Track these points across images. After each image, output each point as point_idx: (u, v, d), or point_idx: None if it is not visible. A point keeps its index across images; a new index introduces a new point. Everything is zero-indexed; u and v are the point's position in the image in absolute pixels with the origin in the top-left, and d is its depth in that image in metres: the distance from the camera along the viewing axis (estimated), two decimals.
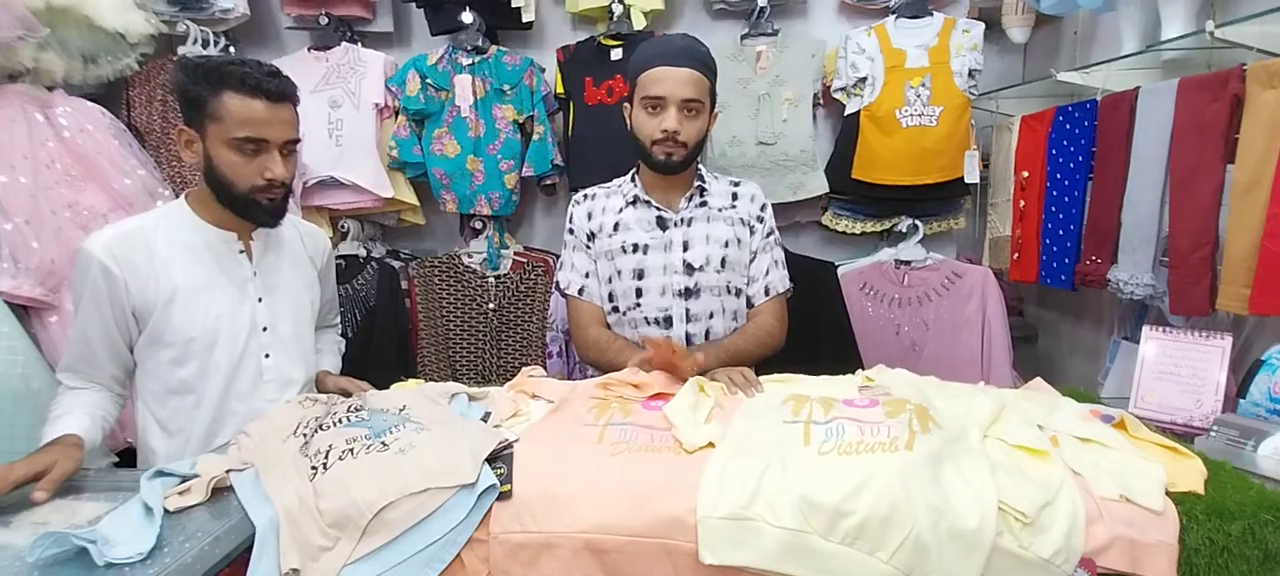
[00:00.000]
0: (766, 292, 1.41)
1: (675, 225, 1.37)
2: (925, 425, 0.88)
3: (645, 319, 1.37)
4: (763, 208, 1.43)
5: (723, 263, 1.37)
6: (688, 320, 1.36)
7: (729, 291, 1.38)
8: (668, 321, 1.36)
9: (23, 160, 1.61)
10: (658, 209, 1.37)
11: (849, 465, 0.81)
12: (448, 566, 0.79)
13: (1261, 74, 1.27)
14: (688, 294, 1.36)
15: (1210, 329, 1.21)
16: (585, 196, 1.45)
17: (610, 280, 1.40)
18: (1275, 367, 1.09)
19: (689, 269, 1.36)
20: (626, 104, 1.38)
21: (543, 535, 0.79)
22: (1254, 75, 1.29)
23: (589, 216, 1.42)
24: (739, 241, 1.39)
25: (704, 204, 1.39)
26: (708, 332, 1.37)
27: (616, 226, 1.39)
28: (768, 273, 1.42)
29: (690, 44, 1.33)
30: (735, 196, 1.42)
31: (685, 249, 1.36)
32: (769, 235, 1.43)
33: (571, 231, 1.44)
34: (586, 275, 1.41)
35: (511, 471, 0.85)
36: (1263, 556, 0.78)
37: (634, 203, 1.39)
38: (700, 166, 1.42)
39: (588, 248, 1.42)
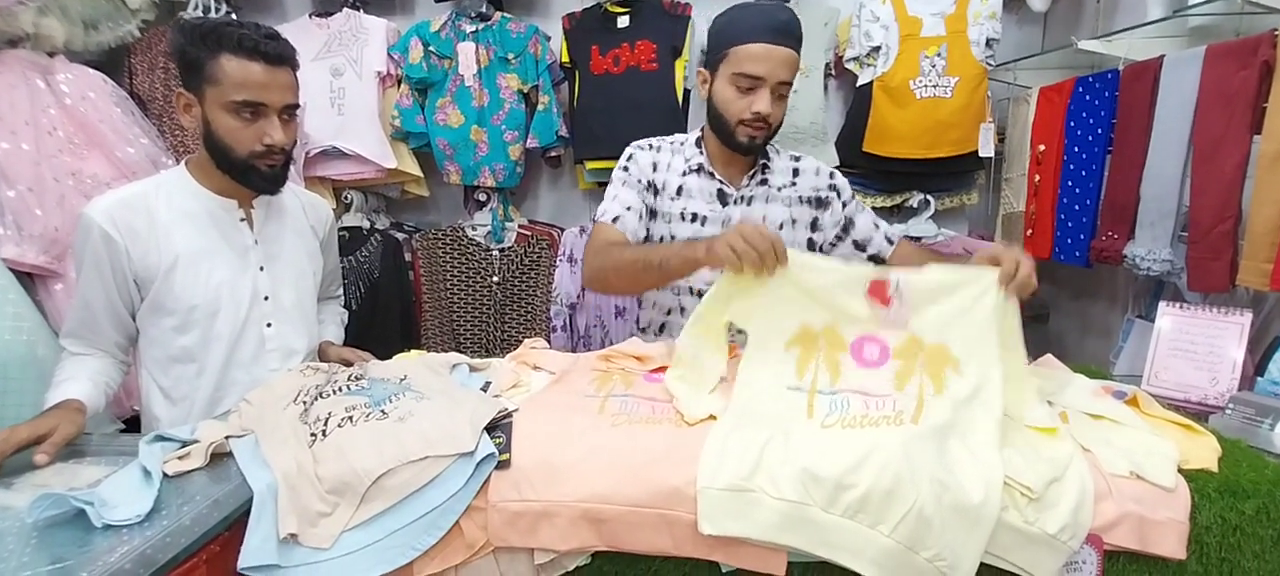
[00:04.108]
0: (889, 241, 1.35)
1: (735, 202, 1.31)
2: (939, 382, 0.85)
3: (690, 289, 1.34)
4: (831, 175, 1.36)
5: None
6: None
7: None
8: (701, 295, 1.33)
9: (25, 127, 1.61)
10: (720, 182, 1.31)
11: (852, 439, 0.79)
12: (446, 534, 0.79)
13: None
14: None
15: (1228, 305, 1.18)
16: (650, 146, 1.35)
17: (662, 240, 1.33)
18: None
19: None
20: (703, 69, 1.29)
21: (541, 504, 0.79)
22: None
23: (654, 167, 1.32)
24: (795, 222, 1.33)
25: (764, 182, 1.32)
26: None
27: (680, 190, 1.31)
28: (877, 226, 1.35)
29: (790, 18, 1.21)
30: (796, 172, 1.35)
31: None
32: (853, 198, 1.36)
33: (627, 170, 1.31)
34: (628, 208, 1.27)
35: (510, 440, 0.84)
36: (1276, 536, 0.76)
37: (697, 170, 1.32)
38: None
39: (640, 190, 1.30)
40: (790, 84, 1.23)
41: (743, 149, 1.26)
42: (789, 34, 1.20)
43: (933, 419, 0.83)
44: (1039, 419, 0.87)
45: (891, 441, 0.77)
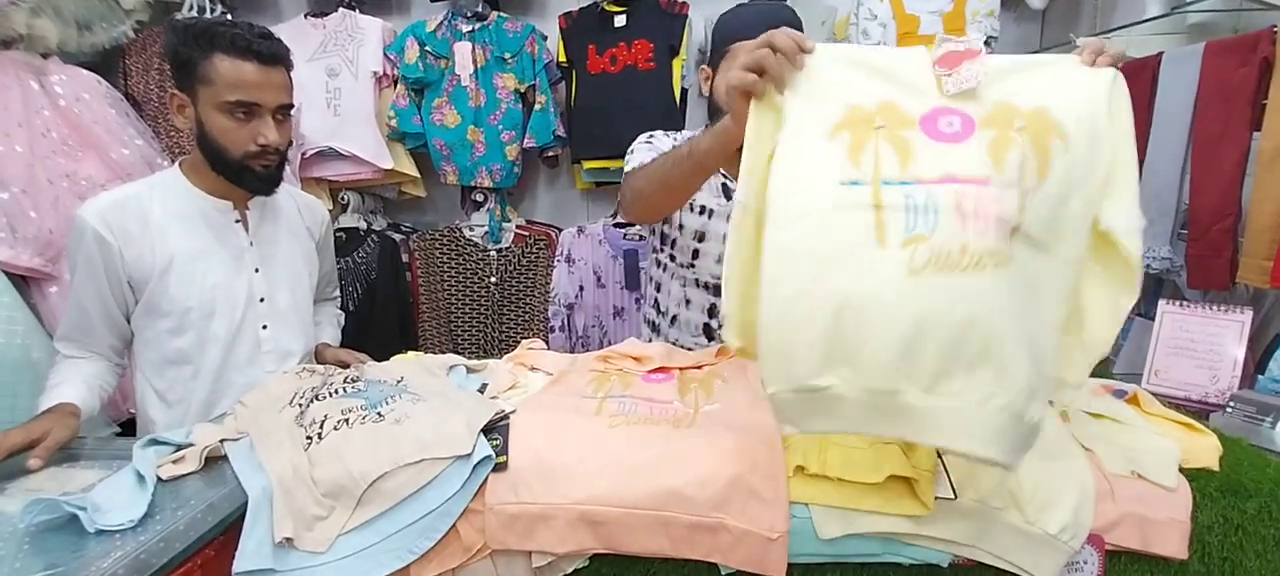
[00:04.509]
0: None
1: None
2: (1044, 155, 0.65)
3: (696, 281, 1.34)
4: None
5: None
6: None
7: None
8: (718, 291, 1.34)
9: (18, 128, 1.60)
10: (723, 176, 1.32)
11: (952, 287, 0.61)
12: (443, 537, 0.78)
13: None
14: None
15: (1228, 303, 1.17)
16: (666, 134, 1.35)
17: (669, 225, 1.36)
18: None
19: None
20: (706, 66, 1.31)
21: (538, 506, 0.78)
22: None
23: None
24: None
25: None
26: None
27: None
28: None
29: (791, 16, 1.23)
30: None
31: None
32: None
33: (650, 143, 1.30)
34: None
35: (507, 442, 0.84)
36: (1279, 535, 0.75)
37: None
38: None
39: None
40: None
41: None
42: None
43: (1037, 219, 0.64)
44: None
45: (1000, 289, 0.61)
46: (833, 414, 0.65)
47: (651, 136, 1.34)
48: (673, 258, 1.38)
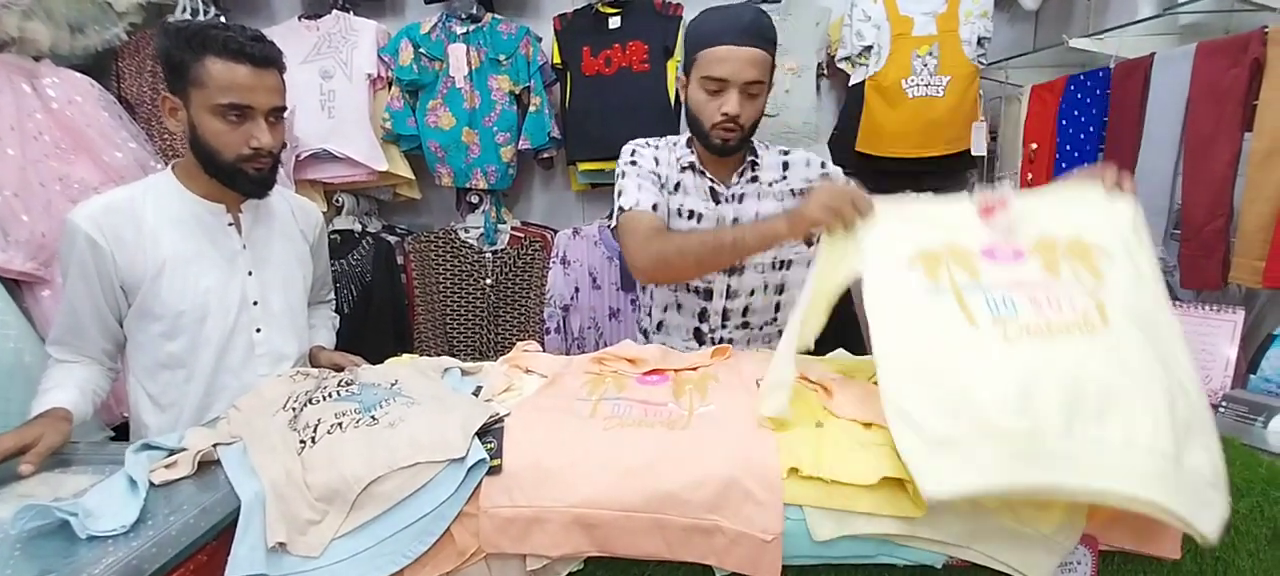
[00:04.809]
0: None
1: (727, 200, 1.32)
2: (1093, 268, 0.75)
3: (686, 286, 1.34)
4: (823, 164, 1.36)
5: None
6: (728, 296, 1.33)
7: (775, 266, 1.34)
8: (708, 294, 1.34)
9: (10, 131, 1.59)
10: (711, 181, 1.32)
11: (1050, 351, 0.68)
12: (437, 541, 0.78)
13: None
14: (732, 270, 1.32)
15: (1221, 303, 1.18)
16: (649, 144, 1.36)
17: None
18: None
19: None
20: (682, 75, 1.31)
21: (533, 509, 0.78)
22: (1276, 38, 1.24)
23: (656, 162, 1.33)
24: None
25: (755, 179, 1.33)
26: (747, 309, 1.34)
27: (677, 186, 1.33)
28: None
29: (756, 18, 1.21)
30: (786, 166, 1.35)
31: (735, 225, 1.31)
32: (848, 183, 1.36)
33: (635, 164, 1.31)
34: (655, 204, 1.26)
35: (502, 445, 0.83)
36: (1271, 534, 0.76)
37: (690, 168, 1.33)
38: (751, 139, 1.35)
39: (655, 183, 1.29)
40: (763, 83, 1.22)
41: (718, 151, 1.26)
42: (754, 33, 1.20)
43: (1117, 305, 0.71)
44: None
45: (1098, 349, 0.67)
46: (979, 467, 0.66)
47: (636, 156, 1.32)
48: None
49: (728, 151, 1.26)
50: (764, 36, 1.22)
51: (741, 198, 1.32)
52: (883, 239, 0.88)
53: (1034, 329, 0.70)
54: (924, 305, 0.77)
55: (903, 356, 0.76)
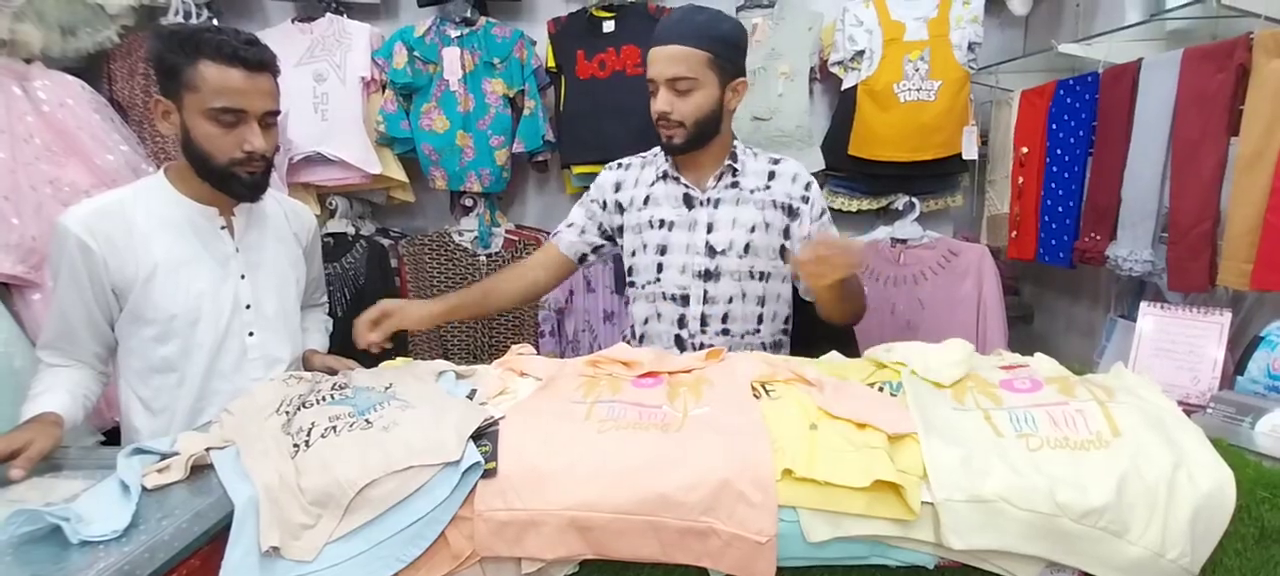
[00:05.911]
0: None
1: (701, 205, 1.33)
2: (1108, 389, 0.90)
3: (663, 294, 1.35)
4: (807, 186, 1.35)
5: (747, 248, 1.32)
6: (706, 301, 1.34)
7: (753, 276, 1.34)
8: (685, 300, 1.34)
9: (0, 134, 1.58)
10: (686, 186, 1.34)
11: (1073, 461, 0.78)
12: (432, 544, 0.78)
13: (1269, 42, 1.24)
14: (707, 276, 1.33)
15: (1208, 305, 1.19)
16: (620, 165, 1.43)
17: (634, 253, 1.38)
18: (1274, 344, 1.07)
19: (711, 251, 1.32)
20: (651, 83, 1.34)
21: (527, 512, 0.78)
22: (1261, 43, 1.26)
23: (618, 187, 1.40)
24: (768, 226, 1.33)
25: (735, 184, 1.33)
26: (726, 316, 1.34)
27: (647, 200, 1.36)
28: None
29: (682, 16, 1.25)
30: (772, 176, 1.35)
31: (709, 230, 1.32)
32: (821, 216, 1.36)
33: (587, 189, 1.45)
34: (571, 225, 1.43)
35: (496, 448, 0.83)
36: (1259, 534, 0.77)
37: (664, 177, 1.35)
38: (735, 144, 1.35)
39: (592, 209, 1.42)
40: (691, 77, 1.23)
41: (667, 149, 1.31)
42: (676, 31, 1.23)
43: (1127, 421, 0.82)
44: None
45: (1118, 462, 0.77)
46: (1001, 530, 0.75)
47: (600, 180, 1.42)
48: (633, 282, 1.40)
49: (675, 150, 1.30)
50: (689, 32, 1.23)
51: (717, 203, 1.33)
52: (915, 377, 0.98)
53: (1053, 443, 0.81)
54: (952, 419, 0.88)
55: (926, 418, 0.86)
